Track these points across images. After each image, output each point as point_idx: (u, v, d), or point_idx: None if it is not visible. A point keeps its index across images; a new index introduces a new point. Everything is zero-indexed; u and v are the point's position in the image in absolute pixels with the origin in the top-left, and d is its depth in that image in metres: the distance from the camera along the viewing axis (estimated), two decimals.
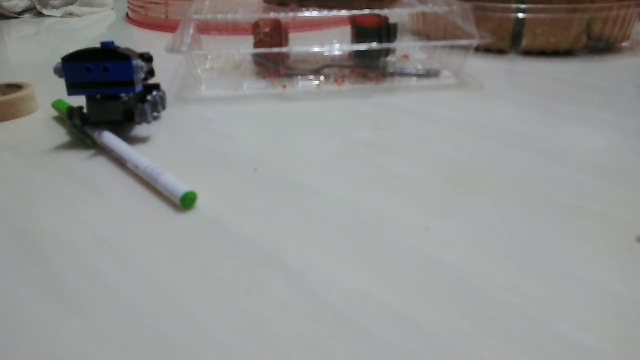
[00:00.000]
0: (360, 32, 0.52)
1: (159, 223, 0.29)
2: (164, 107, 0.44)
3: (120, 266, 0.25)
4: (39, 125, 0.43)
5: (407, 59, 0.59)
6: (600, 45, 0.62)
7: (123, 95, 0.38)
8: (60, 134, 0.41)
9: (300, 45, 0.53)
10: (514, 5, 0.59)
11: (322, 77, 0.53)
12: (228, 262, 0.26)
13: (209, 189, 0.32)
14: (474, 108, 0.46)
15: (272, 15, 0.52)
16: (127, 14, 0.86)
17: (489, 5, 0.59)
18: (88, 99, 0.38)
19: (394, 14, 0.52)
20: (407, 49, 0.61)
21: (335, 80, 0.52)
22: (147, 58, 0.42)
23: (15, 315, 0.22)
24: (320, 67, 0.54)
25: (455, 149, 0.38)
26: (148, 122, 0.39)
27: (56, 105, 0.44)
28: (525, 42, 0.60)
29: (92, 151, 0.38)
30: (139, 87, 0.39)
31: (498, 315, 0.22)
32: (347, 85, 0.51)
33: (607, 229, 0.28)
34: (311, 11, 0.53)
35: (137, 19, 0.81)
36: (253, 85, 0.51)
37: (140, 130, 0.41)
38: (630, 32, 0.64)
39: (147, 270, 0.25)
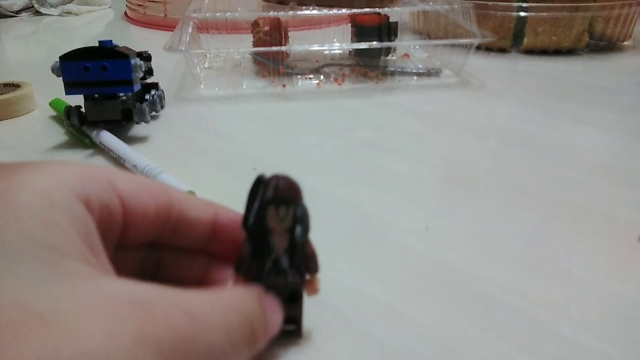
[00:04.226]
0: (360, 30, 0.52)
1: None
2: (162, 107, 0.44)
3: None
4: (37, 125, 0.43)
5: (407, 58, 0.59)
6: (602, 44, 0.62)
7: (121, 94, 0.38)
8: (59, 134, 0.41)
9: (300, 43, 0.53)
10: (515, 4, 0.59)
11: (322, 76, 0.53)
12: None
13: (208, 189, 0.32)
14: (475, 107, 0.46)
15: (272, 13, 0.52)
16: (125, 13, 0.85)
17: (490, 3, 0.59)
18: (86, 98, 0.38)
19: (395, 13, 0.52)
20: (408, 48, 0.61)
21: (336, 79, 0.52)
22: (145, 57, 0.42)
23: None
24: (320, 66, 0.54)
25: (456, 148, 0.38)
26: (147, 121, 0.39)
27: (54, 104, 0.44)
28: (526, 41, 0.60)
29: (91, 151, 0.38)
30: (137, 86, 0.38)
31: (498, 315, 0.22)
32: (347, 85, 0.51)
33: (608, 229, 0.28)
34: (311, 10, 0.53)
35: (136, 17, 0.81)
36: (252, 84, 0.51)
37: (138, 129, 0.41)
38: (632, 31, 0.64)
39: None
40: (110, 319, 0.12)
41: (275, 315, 0.18)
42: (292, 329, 0.20)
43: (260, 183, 0.19)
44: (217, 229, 0.19)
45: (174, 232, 0.19)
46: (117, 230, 0.17)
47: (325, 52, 0.58)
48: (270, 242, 0.19)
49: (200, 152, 0.37)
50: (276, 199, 0.19)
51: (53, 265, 0.13)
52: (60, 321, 0.12)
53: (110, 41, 0.38)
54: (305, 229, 0.19)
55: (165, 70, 0.54)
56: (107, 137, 0.37)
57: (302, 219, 0.19)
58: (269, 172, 0.20)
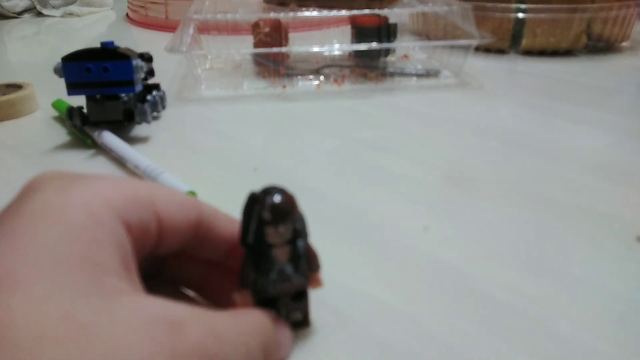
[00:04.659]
0: (360, 32, 0.52)
1: None
2: (164, 107, 0.44)
3: None
4: (39, 125, 0.43)
5: (407, 59, 0.59)
6: (600, 45, 0.62)
7: (123, 95, 0.38)
8: (61, 134, 0.41)
9: (300, 45, 0.53)
10: (514, 5, 0.59)
11: (322, 77, 0.53)
12: None
13: (209, 189, 0.32)
14: (474, 108, 0.46)
15: (272, 15, 0.52)
16: (127, 14, 0.86)
17: (489, 5, 0.59)
18: (88, 99, 0.38)
19: (394, 14, 0.53)
20: (407, 49, 0.61)
21: (335, 80, 0.52)
22: (147, 58, 0.43)
23: None
24: (320, 67, 0.54)
25: (455, 149, 0.38)
26: (148, 122, 0.39)
27: (56, 105, 0.44)
28: (525, 42, 0.60)
29: (92, 151, 0.38)
30: (139, 87, 0.39)
31: (497, 314, 0.22)
32: (347, 85, 0.51)
33: (607, 228, 0.28)
34: (311, 11, 0.53)
35: (137, 19, 0.81)
36: (253, 85, 0.52)
37: (140, 130, 0.41)
38: (630, 32, 0.64)
39: None
40: (147, 337, 0.13)
41: (286, 340, 0.19)
42: (300, 319, 0.21)
43: (254, 202, 0.19)
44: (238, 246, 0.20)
45: (199, 245, 0.20)
46: (149, 246, 0.18)
47: (325, 53, 0.58)
48: (272, 256, 0.19)
49: (201, 153, 0.38)
50: (274, 220, 0.19)
51: (97, 281, 0.14)
52: (101, 336, 0.13)
53: (112, 42, 0.38)
54: (306, 238, 0.20)
55: (166, 71, 0.55)
56: (108, 138, 0.37)
57: (301, 231, 0.20)
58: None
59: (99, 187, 0.16)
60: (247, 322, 0.17)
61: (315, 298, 0.21)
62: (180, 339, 0.14)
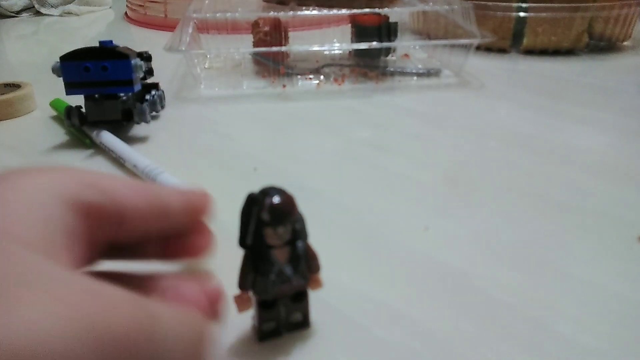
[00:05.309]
0: (360, 31, 0.52)
1: None
2: (162, 107, 0.44)
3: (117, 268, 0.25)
4: (38, 125, 0.43)
5: (407, 58, 0.59)
6: (601, 45, 0.62)
7: (122, 94, 0.38)
8: (59, 134, 0.41)
9: (300, 44, 0.53)
10: (515, 4, 0.59)
11: (322, 77, 0.53)
12: (227, 264, 0.25)
13: (209, 189, 0.31)
14: (474, 107, 0.46)
15: (272, 14, 0.52)
16: (125, 13, 0.86)
17: (490, 4, 0.59)
18: (87, 99, 0.38)
19: (395, 13, 0.53)
20: (408, 48, 0.61)
21: (335, 80, 0.52)
22: (146, 57, 0.42)
23: None
24: (320, 66, 0.54)
25: (456, 148, 0.38)
26: (147, 121, 0.39)
27: (54, 104, 0.44)
28: (526, 41, 0.60)
29: (91, 151, 0.38)
30: (137, 87, 0.39)
31: (498, 315, 0.22)
32: (347, 85, 0.51)
33: (608, 229, 0.28)
34: (311, 10, 0.53)
35: (136, 18, 0.81)
36: (253, 85, 0.51)
37: (139, 129, 0.41)
38: (632, 31, 0.64)
39: None
40: (59, 301, 0.12)
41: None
42: (300, 320, 0.21)
43: (253, 203, 0.19)
44: (192, 212, 0.20)
45: (157, 222, 0.19)
46: (112, 229, 0.17)
47: (325, 52, 0.58)
48: (271, 257, 0.19)
49: (200, 152, 0.38)
50: (273, 221, 0.18)
51: (5, 251, 0.13)
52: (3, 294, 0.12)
53: (111, 41, 0.38)
54: (305, 239, 0.20)
55: (165, 71, 0.55)
56: (107, 137, 0.37)
57: (300, 232, 0.20)
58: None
59: (39, 171, 0.17)
60: (183, 310, 0.16)
61: (315, 298, 0.21)
62: (108, 310, 0.13)
